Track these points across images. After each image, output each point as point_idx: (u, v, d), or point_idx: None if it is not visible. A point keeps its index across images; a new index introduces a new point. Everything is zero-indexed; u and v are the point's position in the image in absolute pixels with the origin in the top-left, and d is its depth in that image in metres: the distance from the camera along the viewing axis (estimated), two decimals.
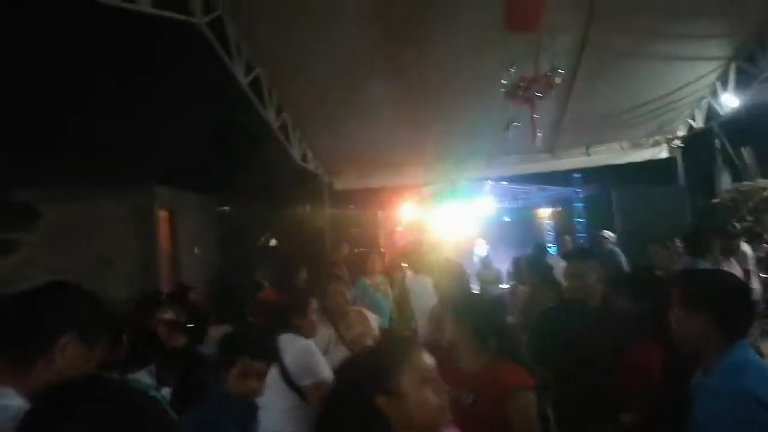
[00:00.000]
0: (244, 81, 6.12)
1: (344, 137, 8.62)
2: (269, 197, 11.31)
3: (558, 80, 4.88)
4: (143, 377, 3.68)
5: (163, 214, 9.03)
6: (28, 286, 1.54)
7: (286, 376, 2.86)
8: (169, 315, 6.99)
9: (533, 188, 16.63)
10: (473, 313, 2.34)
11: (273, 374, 2.75)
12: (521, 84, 4.85)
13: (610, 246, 8.76)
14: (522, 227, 17.98)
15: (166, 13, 4.36)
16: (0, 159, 6.37)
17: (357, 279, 5.82)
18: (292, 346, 2.95)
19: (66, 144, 7.34)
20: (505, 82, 5.00)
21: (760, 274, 6.62)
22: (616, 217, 9.70)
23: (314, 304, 3.51)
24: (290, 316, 3.33)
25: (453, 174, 10.52)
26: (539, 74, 4.85)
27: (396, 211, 12.71)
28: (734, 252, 5.37)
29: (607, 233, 8.36)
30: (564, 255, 6.31)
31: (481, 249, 13.72)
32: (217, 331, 5.14)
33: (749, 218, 9.39)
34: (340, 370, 1.46)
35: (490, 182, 14.38)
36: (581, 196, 16.05)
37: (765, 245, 8.17)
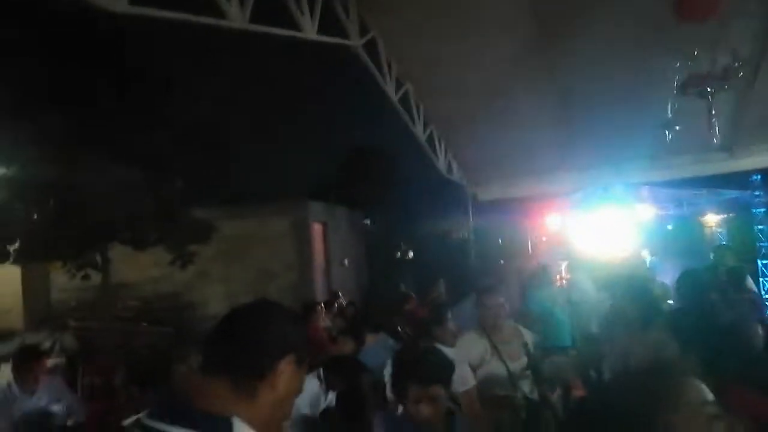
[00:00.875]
0: (395, 98, 6.28)
1: (489, 146, 8.45)
2: (413, 210, 11.50)
3: (741, 73, 4.26)
4: (310, 379, 3.87)
5: (317, 228, 9.59)
6: (202, 297, 1.60)
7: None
8: (326, 323, 7.35)
9: (701, 192, 14.87)
10: None
11: None
12: (696, 78, 4.32)
13: None
14: (688, 236, 16.18)
15: (328, 39, 4.60)
16: (184, 183, 7.26)
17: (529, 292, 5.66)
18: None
19: (237, 168, 8.13)
20: (677, 76, 4.49)
21: None
22: None
23: (449, 314, 3.66)
24: (431, 326, 3.42)
25: (609, 178, 9.77)
26: (717, 67, 4.29)
27: (543, 220, 12.14)
28: None
29: None
30: None
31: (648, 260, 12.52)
32: (373, 339, 5.28)
33: None
34: None
35: (647, 187, 13.15)
36: (763, 200, 14.00)
37: None
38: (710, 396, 1.11)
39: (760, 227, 14.08)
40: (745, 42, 5.84)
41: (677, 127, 5.56)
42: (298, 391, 1.38)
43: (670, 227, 16.50)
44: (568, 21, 5.30)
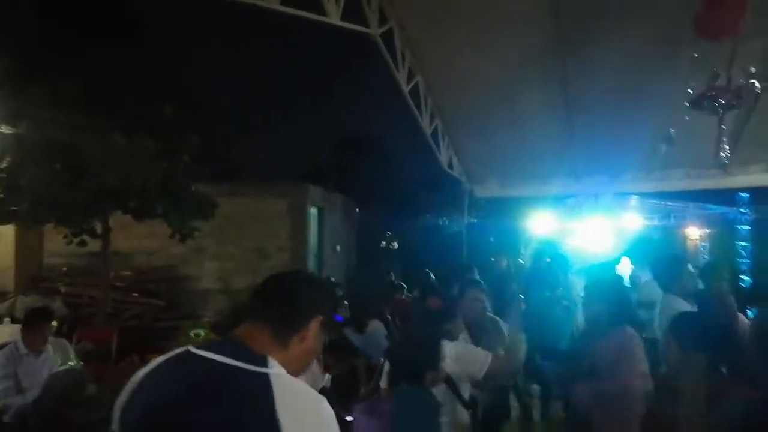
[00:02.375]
0: (406, 89, 6.32)
1: (492, 145, 8.54)
2: (409, 201, 11.57)
3: (758, 90, 4.37)
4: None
5: (313, 212, 9.62)
6: (195, 271, 1.78)
7: (448, 381, 2.88)
8: None
9: (688, 205, 15.18)
10: None
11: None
12: (710, 94, 4.42)
13: None
14: (671, 248, 16.51)
15: (350, 26, 4.62)
16: (190, 157, 7.22)
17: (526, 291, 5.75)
18: (451, 350, 2.95)
19: (240, 145, 8.09)
20: (691, 91, 4.59)
21: None
22: None
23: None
24: (443, 321, 3.38)
25: (603, 187, 9.94)
26: (731, 84, 4.39)
27: (535, 221, 12.31)
28: None
29: None
30: None
31: (626, 269, 12.79)
32: (370, 326, 5.36)
33: None
34: None
35: (636, 197, 13.39)
36: (748, 218, 14.33)
37: None
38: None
39: (742, 243, 14.41)
40: (751, 62, 5.99)
41: (672, 135, 5.66)
42: (319, 350, 1.61)
43: (653, 237, 16.78)
44: (588, 28, 5.37)
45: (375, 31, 5.01)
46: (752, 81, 4.46)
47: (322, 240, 10.20)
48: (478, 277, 5.10)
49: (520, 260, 10.47)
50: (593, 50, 5.73)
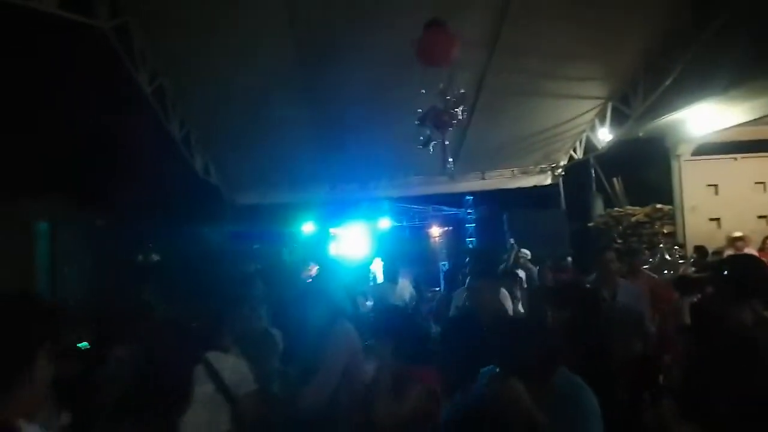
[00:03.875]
0: (147, 89, 5.84)
1: (250, 153, 8.47)
2: (164, 211, 10.72)
3: (464, 113, 5.19)
4: None
5: (41, 227, 8.24)
6: None
7: (226, 393, 2.76)
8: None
9: (429, 209, 17.37)
10: None
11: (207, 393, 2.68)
12: (433, 112, 5.11)
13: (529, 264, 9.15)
14: (419, 245, 18.63)
15: (70, 15, 4.07)
16: None
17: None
18: (225, 361, 2.86)
19: None
20: (420, 110, 5.23)
21: None
22: (507, 237, 10.39)
23: None
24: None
25: (357, 193, 10.72)
26: (448, 106, 5.14)
27: (299, 227, 12.63)
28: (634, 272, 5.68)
29: (525, 251, 8.67)
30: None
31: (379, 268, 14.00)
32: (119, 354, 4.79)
33: (619, 241, 10.51)
34: None
35: (388, 202, 14.84)
36: (473, 218, 17.02)
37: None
38: None
39: (469, 239, 17.04)
40: (465, 88, 7.12)
41: (434, 142, 6.31)
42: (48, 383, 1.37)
43: (403, 237, 18.68)
44: (325, 46, 5.68)
45: (105, 24, 4.51)
46: (461, 107, 5.28)
47: (54, 258, 8.80)
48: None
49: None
50: (338, 68, 6.10)
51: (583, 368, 2.40)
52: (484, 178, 10.48)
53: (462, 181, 10.41)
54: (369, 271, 7.92)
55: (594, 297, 2.81)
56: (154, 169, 9.17)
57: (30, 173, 7.72)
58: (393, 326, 2.47)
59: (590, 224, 11.65)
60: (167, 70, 6.14)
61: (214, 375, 2.75)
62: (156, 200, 10.20)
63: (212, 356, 2.88)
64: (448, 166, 5.39)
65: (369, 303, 5.64)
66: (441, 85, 4.91)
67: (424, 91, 4.99)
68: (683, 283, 4.57)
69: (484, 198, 14.58)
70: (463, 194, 15.60)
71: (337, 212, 12.99)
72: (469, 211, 17.14)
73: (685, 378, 2.44)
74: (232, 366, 2.85)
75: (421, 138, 5.57)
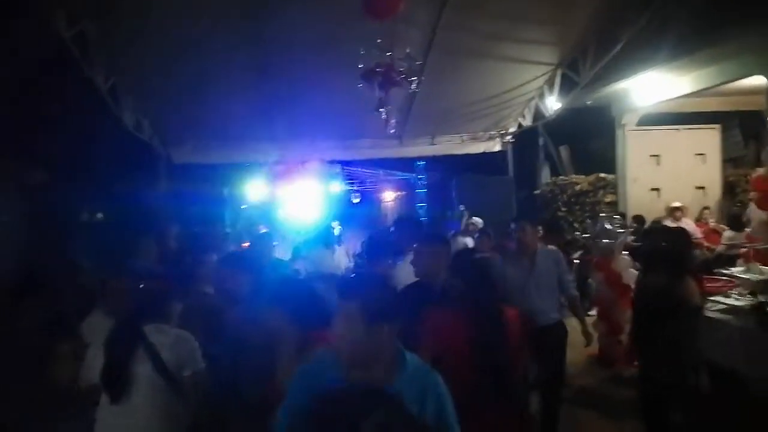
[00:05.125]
0: (65, 34, 5.29)
1: (185, 108, 7.95)
2: (95, 169, 10.08)
3: (412, 73, 4.94)
4: None
5: None
6: None
7: (163, 371, 2.47)
8: None
9: (380, 173, 17.16)
10: None
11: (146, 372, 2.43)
12: (378, 69, 4.84)
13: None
14: (368, 209, 18.49)
15: None
16: None
17: None
18: (166, 337, 2.54)
19: None
20: (362, 66, 4.94)
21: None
22: (455, 203, 10.36)
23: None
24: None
25: (304, 153, 10.37)
26: (395, 62, 4.88)
27: (243, 188, 12.19)
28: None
29: (476, 219, 8.59)
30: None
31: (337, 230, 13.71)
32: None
33: (563, 209, 10.66)
34: None
35: (340, 166, 14.51)
36: (424, 183, 16.96)
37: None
38: None
39: (419, 204, 17.01)
40: (413, 47, 6.84)
41: (389, 107, 5.98)
42: None
43: (355, 200, 18.47)
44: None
45: None
46: (408, 64, 5.04)
47: None
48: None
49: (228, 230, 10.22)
50: (282, 18, 5.71)
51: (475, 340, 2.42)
52: (433, 143, 10.31)
53: (411, 145, 10.23)
54: (325, 234, 7.53)
55: (482, 266, 2.81)
56: (82, 125, 8.52)
57: None
58: (289, 295, 2.32)
59: (536, 191, 11.76)
60: (89, 14, 5.56)
61: (153, 354, 2.47)
62: (85, 157, 9.55)
63: (152, 330, 2.54)
64: (391, 129, 5.16)
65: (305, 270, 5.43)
66: (379, 41, 4.62)
67: (363, 51, 4.71)
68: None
69: (435, 164, 14.50)
70: (413, 159, 15.50)
71: (284, 173, 12.58)
72: (420, 176, 17.09)
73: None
74: (173, 340, 2.56)
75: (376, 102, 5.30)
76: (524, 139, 10.80)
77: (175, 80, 7.11)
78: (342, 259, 6.24)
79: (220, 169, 10.84)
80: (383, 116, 5.09)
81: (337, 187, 15.41)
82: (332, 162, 13.02)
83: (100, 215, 12.49)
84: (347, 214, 16.36)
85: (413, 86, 4.98)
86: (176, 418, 2.45)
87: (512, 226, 4.07)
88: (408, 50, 4.90)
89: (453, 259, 3.00)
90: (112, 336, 2.49)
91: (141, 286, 2.83)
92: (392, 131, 5.60)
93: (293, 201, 12.28)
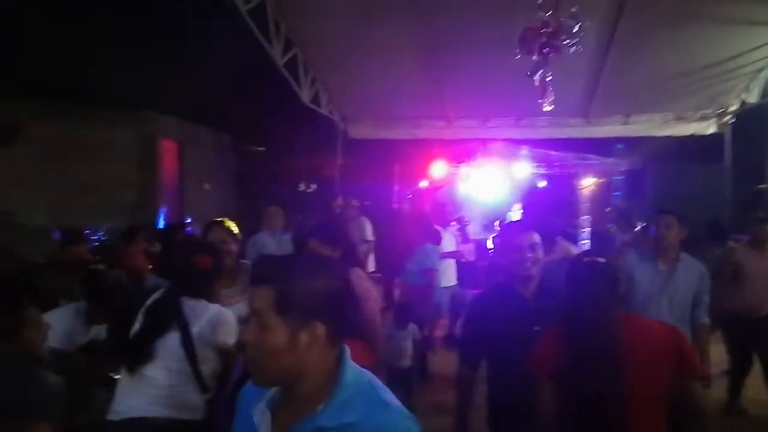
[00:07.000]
0: (243, 9, 5.69)
1: (362, 83, 8.11)
2: (286, 140, 10.97)
3: (576, 39, 4.19)
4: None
5: (168, 145, 8.86)
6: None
7: (189, 346, 2.47)
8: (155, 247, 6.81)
9: (567, 155, 15.69)
10: None
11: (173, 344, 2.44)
12: (531, 34, 4.22)
13: None
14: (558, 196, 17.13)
15: None
16: None
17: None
18: (205, 311, 2.55)
19: (61, 56, 7.04)
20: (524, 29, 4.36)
21: None
22: (647, 195, 8.94)
23: None
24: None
25: (478, 132, 9.91)
26: (557, 23, 4.20)
27: (417, 167, 12.19)
28: None
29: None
30: None
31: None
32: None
33: None
34: None
35: (525, 146, 13.60)
36: (622, 169, 15.06)
37: None
38: None
39: (615, 193, 15.17)
40: (599, 9, 5.90)
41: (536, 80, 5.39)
42: None
43: (542, 185, 17.21)
44: None
45: None
46: (578, 24, 4.29)
47: (184, 177, 9.50)
48: None
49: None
50: None
51: None
52: (627, 123, 8.96)
53: (598, 125, 9.04)
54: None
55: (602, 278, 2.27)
56: (273, 99, 9.21)
57: (158, 92, 8.19)
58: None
59: (762, 186, 9.54)
60: None
61: (183, 326, 2.43)
62: (279, 130, 10.39)
63: (192, 304, 2.47)
64: (543, 100, 4.50)
65: None
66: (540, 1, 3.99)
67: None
68: None
69: (632, 146, 12.75)
70: (610, 141, 13.81)
71: (466, 154, 12.24)
72: (617, 161, 15.21)
73: None
74: (209, 318, 2.49)
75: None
76: (749, 120, 8.79)
77: (352, 57, 7.25)
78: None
79: (392, 146, 10.94)
80: (536, 83, 4.43)
81: (525, 169, 14.49)
82: (517, 143, 12.30)
83: (314, 186, 13.33)
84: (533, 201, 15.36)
85: (573, 49, 4.20)
86: (192, 401, 2.38)
87: (653, 219, 3.25)
88: (574, 10, 4.16)
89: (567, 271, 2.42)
90: (152, 305, 2.50)
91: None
92: (549, 107, 4.83)
93: (478, 182, 11.85)
